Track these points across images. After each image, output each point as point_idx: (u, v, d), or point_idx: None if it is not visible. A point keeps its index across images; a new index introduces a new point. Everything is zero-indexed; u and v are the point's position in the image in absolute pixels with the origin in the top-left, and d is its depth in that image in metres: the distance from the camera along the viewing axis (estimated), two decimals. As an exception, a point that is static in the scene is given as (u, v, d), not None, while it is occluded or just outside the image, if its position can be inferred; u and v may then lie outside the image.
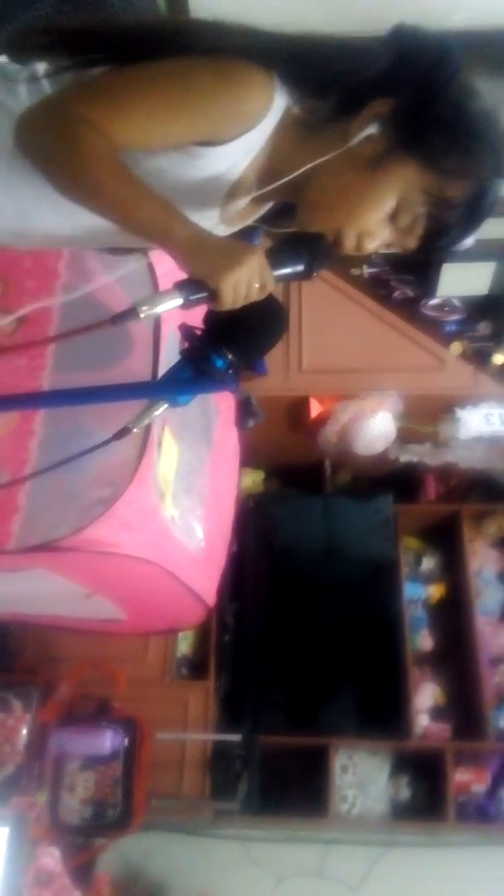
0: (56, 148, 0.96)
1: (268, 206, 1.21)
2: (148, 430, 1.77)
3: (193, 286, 0.94)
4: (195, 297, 0.94)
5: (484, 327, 3.22)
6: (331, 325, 3.13)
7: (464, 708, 3.13)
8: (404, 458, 3.19)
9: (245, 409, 1.11)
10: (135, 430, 1.06)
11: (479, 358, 3.15)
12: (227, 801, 2.79)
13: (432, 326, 3.20)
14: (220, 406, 2.28)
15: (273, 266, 0.97)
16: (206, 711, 2.93)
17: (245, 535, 3.04)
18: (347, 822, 3.00)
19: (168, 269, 1.10)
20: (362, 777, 3.05)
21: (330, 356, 3.11)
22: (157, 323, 1.85)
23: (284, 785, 3.00)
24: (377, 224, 1.06)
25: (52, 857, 2.30)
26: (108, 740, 2.54)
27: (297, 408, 3.11)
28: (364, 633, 3.09)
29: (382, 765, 3.08)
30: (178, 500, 1.98)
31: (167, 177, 1.03)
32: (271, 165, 1.08)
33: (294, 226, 1.12)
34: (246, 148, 1.05)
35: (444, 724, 3.11)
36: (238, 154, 1.05)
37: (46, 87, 1.08)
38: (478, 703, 3.04)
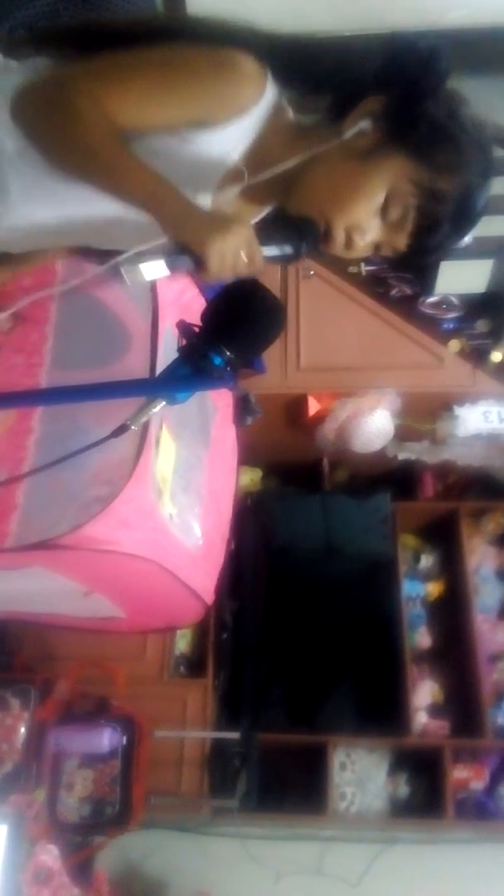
0: (55, 116, 1.00)
1: (263, 211, 1.21)
2: (146, 428, 1.76)
3: (180, 252, 0.95)
4: (180, 261, 0.95)
5: (482, 325, 3.21)
6: (329, 323, 3.13)
7: (462, 705, 3.13)
8: (402, 455, 3.19)
9: (243, 407, 1.11)
10: (133, 428, 1.06)
11: (478, 355, 3.15)
12: (225, 798, 2.80)
13: (430, 324, 3.20)
14: (218, 404, 2.27)
15: (261, 241, 0.97)
16: (204, 709, 2.93)
17: (243, 533, 3.04)
18: (346, 820, 3.00)
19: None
20: (361, 774, 3.05)
21: (328, 354, 3.11)
22: (154, 320, 1.84)
23: (283, 782, 3.00)
24: (367, 216, 1.06)
25: (50, 855, 2.31)
26: (106, 738, 2.55)
27: (296, 405, 3.10)
28: (362, 631, 3.09)
29: (381, 762, 3.08)
30: (177, 498, 1.98)
31: (159, 161, 1.04)
32: (263, 159, 1.09)
33: None
34: (237, 136, 1.07)
35: (443, 721, 3.11)
36: (229, 142, 1.07)
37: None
38: (476, 700, 3.04)
